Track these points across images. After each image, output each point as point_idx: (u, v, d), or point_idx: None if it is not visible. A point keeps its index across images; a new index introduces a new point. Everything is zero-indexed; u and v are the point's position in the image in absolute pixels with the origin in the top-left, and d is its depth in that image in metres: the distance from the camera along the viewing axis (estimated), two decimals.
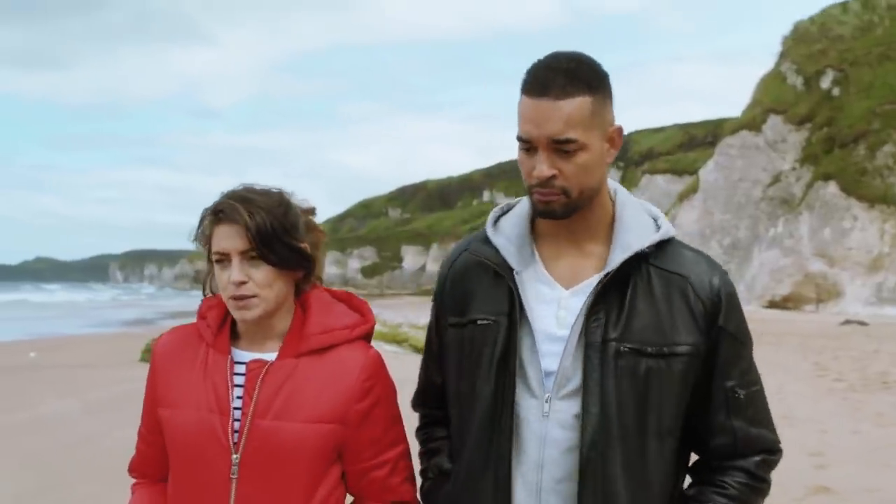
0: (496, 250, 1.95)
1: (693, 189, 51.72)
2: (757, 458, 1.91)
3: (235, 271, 1.89)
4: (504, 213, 2.03)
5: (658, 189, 60.11)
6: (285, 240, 1.91)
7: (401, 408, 2.08)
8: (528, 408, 1.89)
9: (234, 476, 1.89)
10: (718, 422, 1.90)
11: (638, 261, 1.88)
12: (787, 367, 15.28)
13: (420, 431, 2.17)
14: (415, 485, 2.07)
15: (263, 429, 1.89)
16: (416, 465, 2.09)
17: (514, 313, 1.90)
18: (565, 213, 1.89)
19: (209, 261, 1.95)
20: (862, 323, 28.45)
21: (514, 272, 1.91)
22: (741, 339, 1.92)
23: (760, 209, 46.13)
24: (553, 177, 1.85)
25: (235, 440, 1.90)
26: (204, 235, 1.95)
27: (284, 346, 1.96)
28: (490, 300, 1.94)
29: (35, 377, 15.62)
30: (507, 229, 1.98)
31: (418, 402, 2.18)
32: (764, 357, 16.10)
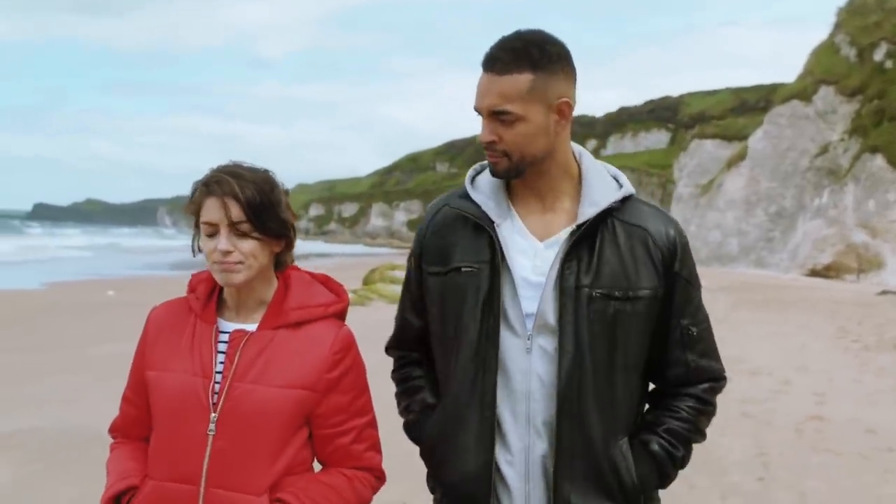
0: (476, 205, 2.12)
1: (741, 156, 51.88)
2: (704, 385, 2.16)
3: (223, 241, 2.03)
4: (478, 172, 2.21)
5: (707, 154, 60.17)
6: (272, 212, 2.06)
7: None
8: (512, 345, 2.07)
9: (212, 433, 2.03)
10: (675, 355, 2.14)
11: (604, 215, 2.08)
12: (814, 329, 16.61)
13: (396, 373, 2.33)
14: (380, 453, 2.20)
15: (241, 391, 2.04)
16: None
17: (495, 260, 2.07)
18: (508, 174, 2.09)
19: (196, 226, 2.09)
20: None
21: (495, 224, 2.09)
22: (693, 283, 2.15)
23: (807, 179, 46.36)
24: (493, 142, 2.06)
25: (215, 401, 2.05)
26: (194, 205, 2.08)
27: (264, 319, 2.11)
28: (472, 250, 2.10)
29: (114, 314, 16.70)
30: (485, 186, 2.15)
31: (393, 346, 2.34)
32: (795, 320, 17.74)
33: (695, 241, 48.93)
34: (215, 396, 2.05)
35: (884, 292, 29.65)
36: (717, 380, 2.19)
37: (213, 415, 2.03)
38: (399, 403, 2.30)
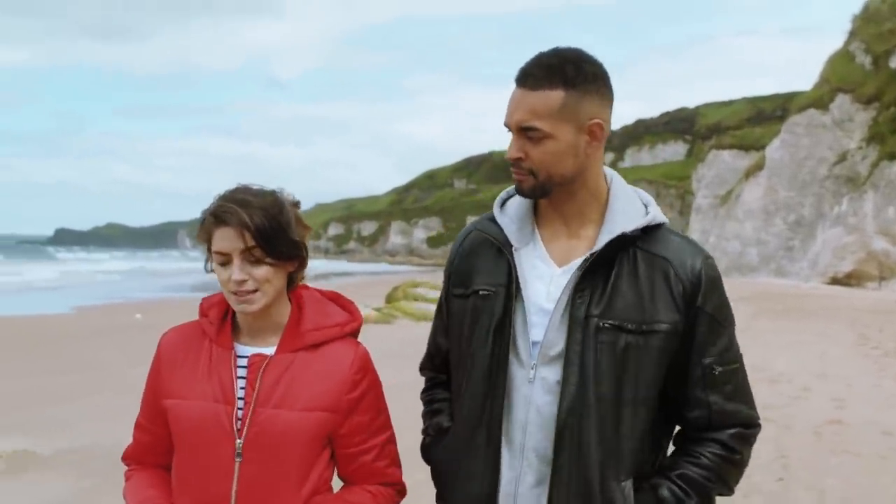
0: (501, 228, 2.09)
1: (759, 166, 51.96)
2: (731, 431, 2.01)
3: (237, 271, 2.02)
4: (511, 195, 2.15)
5: (724, 164, 60.28)
6: (282, 236, 2.05)
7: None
8: (517, 373, 2.03)
9: (239, 459, 2.04)
10: (695, 395, 2.01)
11: (626, 244, 2.00)
12: (835, 336, 16.81)
13: (424, 393, 2.33)
14: (400, 468, 2.22)
15: (265, 416, 2.04)
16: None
17: (511, 286, 2.03)
18: (533, 194, 2.04)
19: (209, 251, 2.08)
20: None
21: (514, 248, 2.05)
22: (719, 320, 2.02)
23: (825, 187, 46.38)
24: (520, 159, 2.01)
25: (238, 427, 2.05)
26: (205, 234, 2.08)
27: (282, 342, 2.11)
28: (492, 273, 2.08)
29: (145, 336, 17.31)
30: (512, 210, 2.12)
31: (426, 366, 2.34)
32: (815, 328, 17.91)
33: (714, 251, 48.98)
34: (239, 422, 2.05)
35: None
36: (748, 426, 2.05)
37: (238, 441, 2.04)
38: (423, 422, 2.30)
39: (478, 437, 2.05)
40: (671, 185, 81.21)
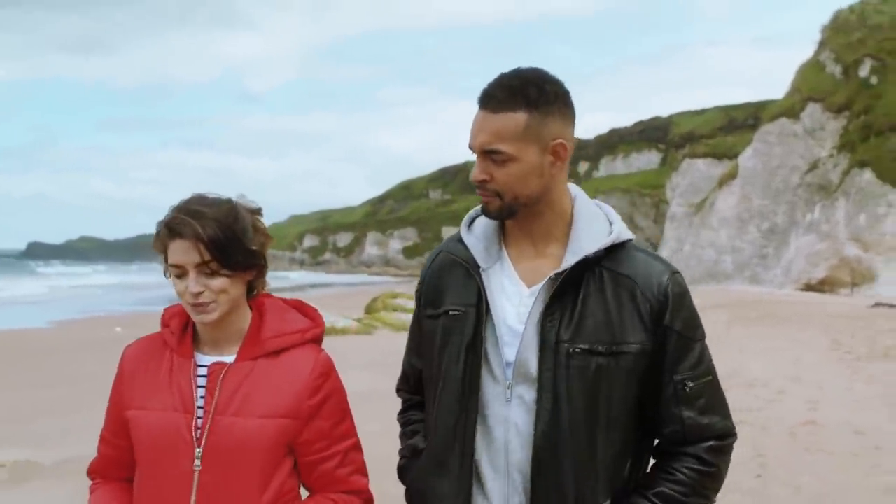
0: (467, 249, 2.08)
1: (732, 174, 52.45)
2: (706, 444, 2.01)
3: (192, 283, 2.01)
4: (478, 215, 2.14)
5: (698, 173, 60.85)
6: (237, 246, 2.03)
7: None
8: (492, 392, 2.02)
9: (198, 468, 2.02)
10: (668, 412, 2.01)
11: (591, 264, 1.99)
12: (808, 342, 17.12)
13: (401, 415, 2.31)
14: (365, 476, 2.18)
15: (224, 425, 2.03)
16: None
17: (480, 305, 2.02)
18: (500, 215, 2.04)
19: (165, 261, 2.07)
20: (892, 306, 29.00)
21: (482, 269, 2.05)
22: (688, 336, 2.02)
23: (798, 195, 46.92)
24: (485, 181, 2.00)
25: (198, 436, 2.03)
26: (161, 245, 2.06)
27: (242, 350, 2.10)
28: (461, 293, 2.07)
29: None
30: (478, 229, 2.11)
31: (401, 387, 2.33)
32: (789, 334, 18.29)
33: (689, 259, 49.55)
34: (198, 431, 2.04)
35: (877, 304, 29.99)
36: (722, 437, 2.05)
37: (197, 450, 2.03)
38: (400, 444, 2.28)
39: (450, 458, 2.04)
40: (646, 194, 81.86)
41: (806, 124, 47.77)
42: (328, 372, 2.12)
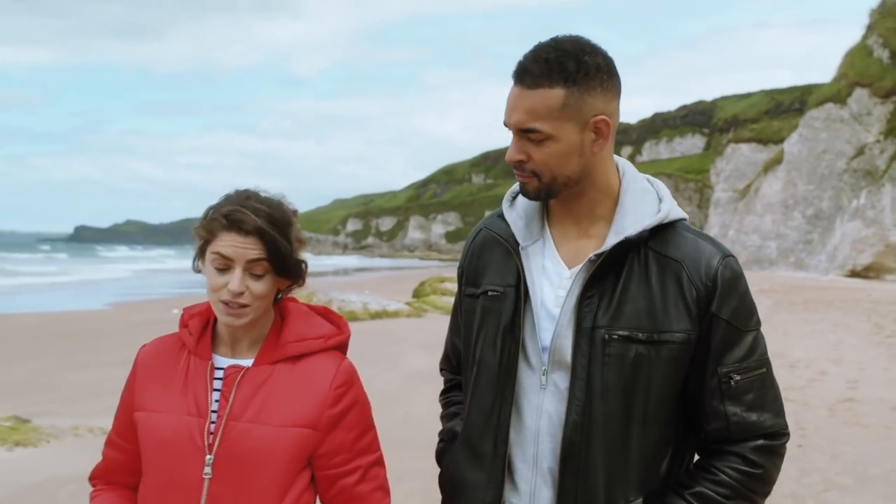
0: (508, 226, 1.98)
1: (777, 160, 52.37)
2: (753, 444, 1.86)
3: (236, 280, 1.90)
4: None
5: (743, 158, 60.63)
6: (289, 252, 1.95)
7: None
8: (527, 379, 1.92)
9: (207, 476, 1.91)
10: (712, 407, 1.86)
11: (636, 245, 1.86)
12: (851, 326, 17.65)
13: (442, 395, 2.25)
14: (388, 495, 2.05)
15: (238, 430, 1.92)
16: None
17: (519, 286, 1.92)
18: (538, 196, 1.91)
19: (202, 248, 1.96)
20: None
21: (521, 247, 1.94)
22: (738, 326, 1.86)
23: (843, 181, 46.79)
24: (522, 161, 1.87)
25: (210, 441, 1.93)
26: (208, 232, 1.94)
27: (261, 353, 1.99)
28: (501, 273, 1.97)
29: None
30: (520, 206, 2.00)
31: (444, 366, 2.26)
32: (832, 319, 18.72)
33: (734, 245, 49.54)
34: (211, 437, 1.93)
35: None
36: (772, 436, 1.88)
37: (208, 456, 1.92)
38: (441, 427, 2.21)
39: (484, 444, 1.95)
40: (689, 179, 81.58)
41: (852, 109, 47.53)
42: (351, 381, 2.02)
